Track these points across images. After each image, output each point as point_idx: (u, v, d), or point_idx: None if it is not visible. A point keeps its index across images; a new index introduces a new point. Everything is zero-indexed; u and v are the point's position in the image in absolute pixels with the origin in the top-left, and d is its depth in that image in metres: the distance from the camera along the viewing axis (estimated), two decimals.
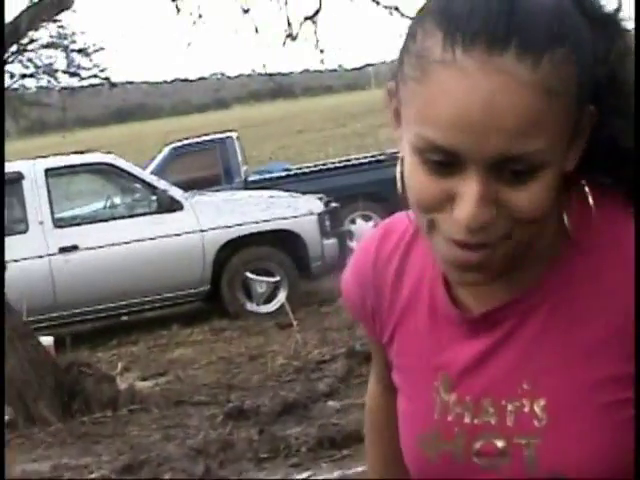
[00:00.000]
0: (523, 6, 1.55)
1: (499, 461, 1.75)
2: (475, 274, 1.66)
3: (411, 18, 1.67)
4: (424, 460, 1.86)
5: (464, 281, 1.70)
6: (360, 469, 7.56)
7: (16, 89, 16.75)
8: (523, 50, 1.51)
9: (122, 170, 15.01)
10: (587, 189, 1.72)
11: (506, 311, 1.77)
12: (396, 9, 18.97)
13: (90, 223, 15.21)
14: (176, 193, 14.79)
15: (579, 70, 1.58)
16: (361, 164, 19.88)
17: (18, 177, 15.14)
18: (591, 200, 1.70)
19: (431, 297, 1.87)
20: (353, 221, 18.21)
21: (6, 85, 16.65)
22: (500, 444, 1.75)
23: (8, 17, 13.99)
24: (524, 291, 1.76)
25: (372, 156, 21.02)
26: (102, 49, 19.74)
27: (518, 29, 1.52)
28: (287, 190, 16.12)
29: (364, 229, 17.69)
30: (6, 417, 8.78)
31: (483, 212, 1.56)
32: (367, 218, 18.14)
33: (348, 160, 21.88)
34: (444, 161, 1.55)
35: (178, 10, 18.05)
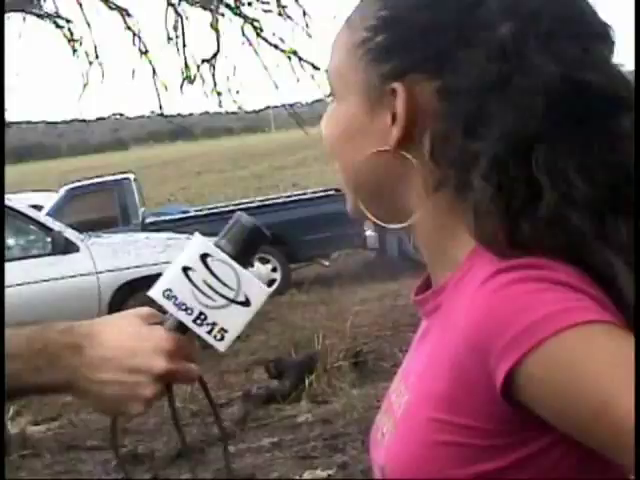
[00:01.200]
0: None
1: (383, 440, 1.84)
2: None
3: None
4: (372, 428, 1.95)
5: None
6: None
7: None
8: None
9: (18, 212, 14.97)
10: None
11: (427, 302, 1.86)
12: (294, 53, 19.09)
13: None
14: (72, 235, 14.76)
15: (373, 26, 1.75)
16: (258, 207, 19.94)
17: None
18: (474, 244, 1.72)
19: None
20: (251, 264, 18.28)
21: None
22: (387, 422, 1.85)
23: None
24: (437, 289, 1.83)
25: (270, 199, 21.11)
26: None
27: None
28: (184, 232, 16.15)
29: (261, 272, 17.71)
30: None
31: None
32: (264, 261, 18.16)
33: (247, 202, 21.96)
34: None
35: (74, 51, 18.03)
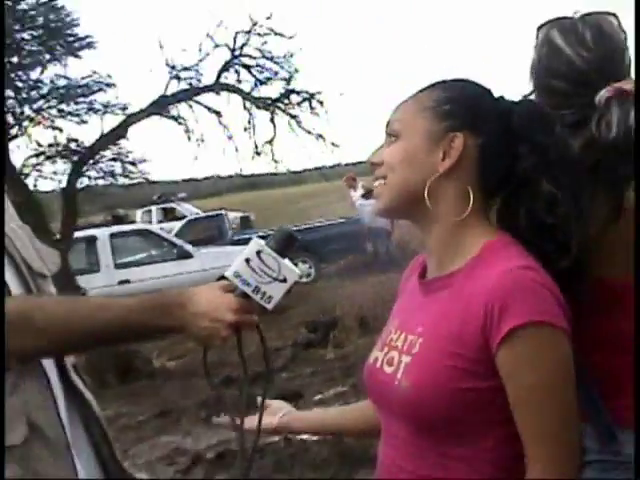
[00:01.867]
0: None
1: (391, 367, 1.81)
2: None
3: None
4: (367, 364, 1.93)
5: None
6: None
7: (91, 186, 16.69)
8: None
9: (154, 234, 15.02)
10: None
11: (432, 284, 1.84)
12: (320, 136, 18.97)
13: (137, 266, 15.18)
14: (188, 247, 14.78)
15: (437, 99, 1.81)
16: (304, 229, 19.87)
17: (94, 238, 15.17)
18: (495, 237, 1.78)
19: (416, 275, 1.94)
20: (296, 264, 18.24)
21: (85, 184, 16.57)
22: (396, 357, 1.81)
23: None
24: (442, 275, 1.81)
25: (309, 224, 20.93)
26: (143, 161, 19.58)
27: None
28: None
29: (301, 269, 17.72)
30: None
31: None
32: (304, 262, 18.09)
33: (295, 226, 21.79)
34: None
35: (189, 138, 17.93)
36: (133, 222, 21.66)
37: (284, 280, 1.95)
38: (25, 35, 19.62)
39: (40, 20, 19.51)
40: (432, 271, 1.87)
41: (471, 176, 1.79)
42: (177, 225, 21.26)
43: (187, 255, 14.59)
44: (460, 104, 1.79)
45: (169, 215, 28.52)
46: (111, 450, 2.21)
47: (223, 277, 1.97)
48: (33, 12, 19.43)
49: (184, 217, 26.37)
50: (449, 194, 1.79)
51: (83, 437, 2.14)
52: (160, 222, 27.36)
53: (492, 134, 1.79)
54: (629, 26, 2.00)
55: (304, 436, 6.71)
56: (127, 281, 14.66)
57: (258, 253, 1.94)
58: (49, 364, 2.05)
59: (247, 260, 1.93)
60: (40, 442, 1.95)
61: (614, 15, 2.02)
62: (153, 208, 28.36)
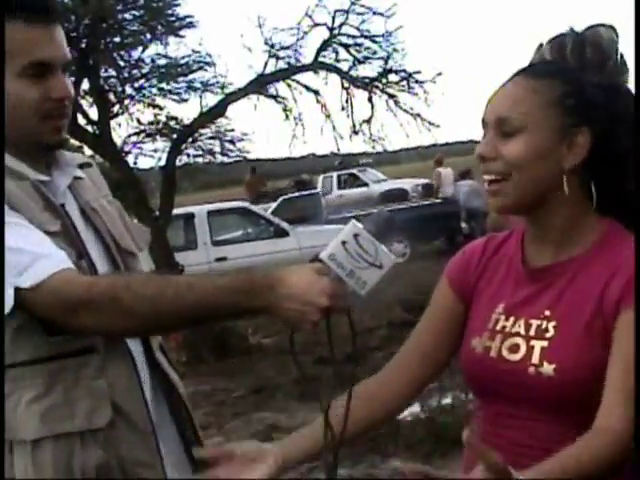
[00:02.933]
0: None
1: (517, 354, 1.81)
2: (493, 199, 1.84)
3: None
4: (472, 353, 1.90)
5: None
6: None
7: (190, 164, 16.90)
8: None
9: (252, 212, 15.12)
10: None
11: (550, 269, 1.85)
12: (418, 115, 18.80)
13: (234, 243, 15.34)
14: (285, 225, 14.87)
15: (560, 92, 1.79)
16: (399, 209, 19.78)
17: (192, 216, 15.35)
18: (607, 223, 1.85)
19: (510, 259, 1.94)
20: (391, 243, 18.16)
21: (184, 162, 16.80)
22: (522, 344, 1.81)
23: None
24: (562, 261, 1.84)
25: (405, 205, 20.86)
26: (242, 140, 19.71)
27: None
28: None
29: (398, 248, 17.73)
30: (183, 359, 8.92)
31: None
32: (399, 241, 18.07)
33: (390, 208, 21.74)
34: None
35: (287, 117, 17.99)
36: (315, 187, 22.05)
37: (380, 266, 1.88)
38: (127, 15, 19.91)
39: (141, 1, 19.78)
40: (544, 259, 1.88)
41: (589, 167, 1.82)
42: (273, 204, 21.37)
43: (284, 233, 14.69)
44: (582, 98, 1.80)
45: (350, 182, 28.45)
46: (195, 430, 2.24)
47: (317, 259, 1.89)
48: None
49: (366, 184, 26.54)
50: (571, 187, 1.81)
51: (167, 417, 2.17)
52: (340, 189, 27.43)
53: (604, 123, 1.81)
54: (629, 26, 1.98)
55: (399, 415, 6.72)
56: (224, 258, 14.82)
57: (355, 236, 1.86)
58: (135, 345, 2.08)
59: (343, 243, 1.85)
60: (125, 425, 1.99)
61: (609, 26, 1.96)
62: (334, 174, 28.26)
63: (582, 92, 1.80)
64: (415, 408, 6.60)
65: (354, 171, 28.92)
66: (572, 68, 1.85)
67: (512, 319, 1.86)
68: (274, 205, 20.67)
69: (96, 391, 1.96)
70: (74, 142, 11.34)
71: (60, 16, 2.04)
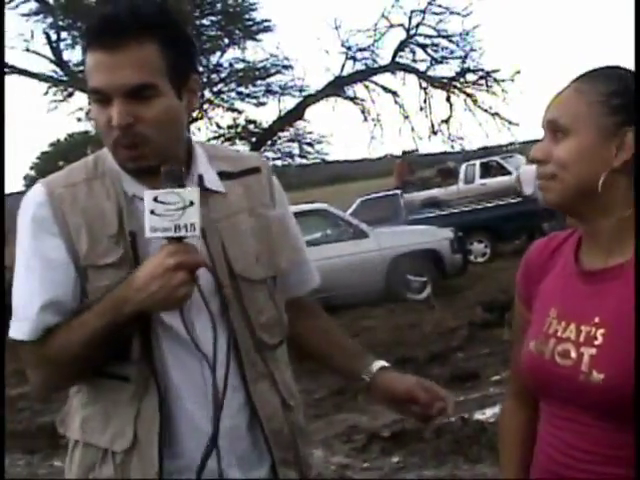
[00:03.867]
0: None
1: (568, 360, 1.81)
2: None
3: None
4: (530, 355, 1.90)
5: None
6: (475, 395, 7.46)
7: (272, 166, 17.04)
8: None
9: (332, 213, 15.13)
10: None
11: (603, 273, 1.83)
12: (497, 114, 18.57)
13: (313, 245, 15.37)
14: (364, 227, 14.84)
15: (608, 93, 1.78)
16: (482, 209, 19.54)
17: None
18: None
19: (565, 261, 1.93)
20: (472, 243, 17.95)
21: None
22: (572, 350, 1.80)
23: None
24: (616, 264, 1.81)
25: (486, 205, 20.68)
26: (320, 142, 19.74)
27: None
28: (433, 224, 16.02)
29: (478, 248, 17.57)
30: None
31: None
32: (479, 242, 17.88)
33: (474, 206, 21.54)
34: None
35: (365, 118, 18.00)
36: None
37: (192, 203, 1.86)
38: (205, 21, 20.13)
39: (219, 6, 19.96)
40: (596, 262, 1.86)
41: (635, 167, 1.80)
42: (352, 206, 21.38)
43: (363, 234, 14.63)
44: (627, 97, 1.79)
45: (493, 170, 27.53)
46: (287, 458, 2.18)
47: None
48: None
49: (509, 173, 25.89)
50: (620, 188, 1.80)
51: (250, 448, 2.13)
52: (482, 177, 27.01)
53: None
54: (629, 26, 1.96)
55: (480, 416, 6.66)
56: None
57: (155, 199, 1.87)
58: (231, 375, 2.02)
59: (152, 212, 1.87)
60: (138, 456, 2.02)
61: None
62: (477, 162, 27.38)
63: (627, 92, 1.79)
64: (497, 409, 6.53)
65: (498, 158, 27.70)
66: (619, 68, 1.84)
67: (564, 323, 1.86)
68: (353, 206, 20.66)
69: (125, 417, 2.02)
70: None
71: (142, 36, 1.95)
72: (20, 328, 2.03)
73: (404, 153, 25.57)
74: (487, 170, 27.26)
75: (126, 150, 1.99)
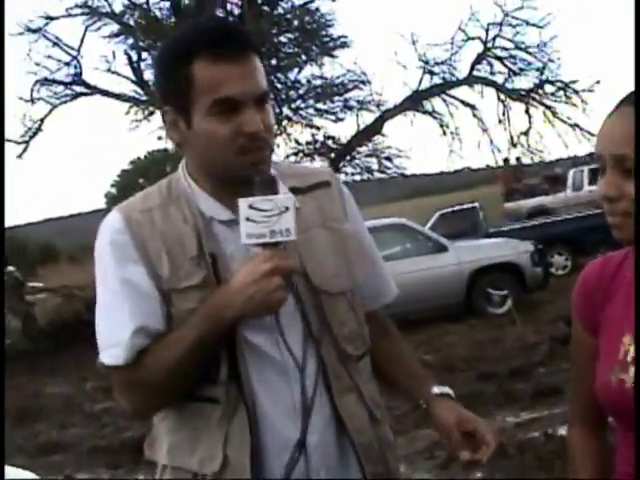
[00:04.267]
0: None
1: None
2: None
3: None
4: (608, 384, 1.85)
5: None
6: (558, 410, 7.35)
7: (348, 182, 17.03)
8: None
9: (410, 227, 15.08)
10: None
11: None
12: (577, 125, 18.31)
13: (392, 260, 15.33)
14: (444, 241, 14.76)
15: None
16: (560, 221, 19.30)
17: None
18: None
19: (629, 285, 1.88)
20: (552, 256, 17.72)
21: (342, 180, 16.99)
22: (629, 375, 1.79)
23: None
24: None
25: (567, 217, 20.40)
26: (399, 156, 19.67)
27: None
28: (513, 237, 15.87)
29: (558, 261, 17.34)
30: None
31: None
32: (560, 254, 17.64)
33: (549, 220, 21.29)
34: None
35: (444, 132, 17.94)
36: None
37: (287, 209, 1.89)
38: (282, 38, 20.29)
39: (296, 23, 20.11)
40: None
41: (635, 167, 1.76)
42: (431, 219, 21.30)
43: (442, 248, 14.55)
44: None
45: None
46: (377, 470, 2.17)
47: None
48: (289, 16, 20.06)
49: None
50: None
51: (350, 458, 2.13)
52: (591, 184, 26.65)
53: None
54: (629, 26, 1.89)
55: (564, 432, 6.56)
56: None
57: (250, 207, 1.89)
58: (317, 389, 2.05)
59: (247, 219, 1.89)
60: (229, 474, 2.02)
61: None
62: (585, 168, 26.38)
63: None
64: None
65: None
66: None
67: (633, 346, 1.83)
68: (432, 220, 20.58)
69: (214, 440, 2.02)
70: None
71: (252, 45, 2.04)
72: (112, 353, 2.04)
73: (505, 161, 25.22)
74: (596, 176, 26.77)
75: (252, 155, 2.01)
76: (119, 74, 20.47)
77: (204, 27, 2.07)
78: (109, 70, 20.32)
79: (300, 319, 2.06)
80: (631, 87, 1.84)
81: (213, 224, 2.06)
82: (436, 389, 2.24)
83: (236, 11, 18.88)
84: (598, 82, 20.08)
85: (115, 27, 20.43)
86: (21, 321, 17.01)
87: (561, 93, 20.35)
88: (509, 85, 20.59)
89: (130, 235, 2.04)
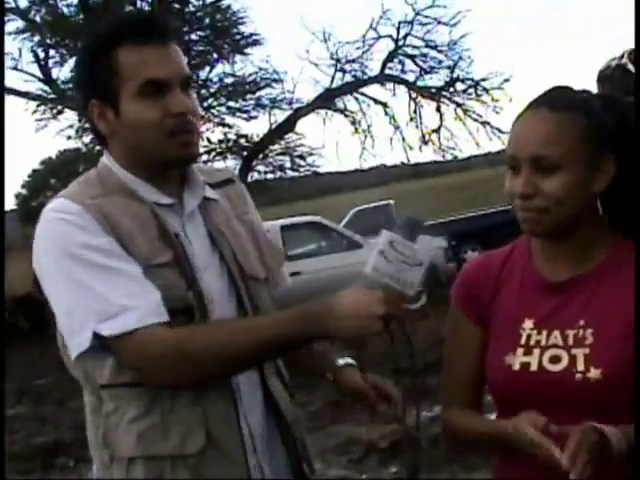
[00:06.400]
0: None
1: (560, 364, 1.87)
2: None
3: None
4: (508, 371, 1.93)
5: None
6: None
7: (261, 181, 17.03)
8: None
9: (325, 225, 15.15)
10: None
11: (573, 282, 1.94)
12: (488, 123, 18.58)
13: (307, 258, 15.37)
14: (358, 238, 14.85)
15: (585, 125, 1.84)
16: (475, 217, 19.55)
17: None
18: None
19: (522, 275, 2.01)
20: (465, 251, 18.00)
21: (255, 178, 16.91)
22: (563, 354, 1.88)
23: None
24: (583, 272, 1.93)
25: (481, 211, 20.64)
26: (312, 154, 19.75)
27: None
28: (426, 234, 16.01)
29: (472, 257, 17.60)
30: None
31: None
32: (474, 250, 17.90)
33: (466, 214, 21.56)
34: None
35: (356, 130, 18.02)
36: None
37: (420, 264, 1.88)
38: (193, 36, 20.15)
39: (207, 21, 20.00)
40: (561, 272, 1.96)
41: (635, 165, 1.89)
42: (346, 217, 21.41)
43: (357, 245, 14.65)
44: (606, 127, 1.87)
45: None
46: (307, 460, 2.25)
47: (362, 275, 1.90)
48: (200, 13, 19.95)
49: None
50: (593, 208, 1.93)
51: (279, 446, 2.19)
52: None
53: (624, 145, 1.89)
54: (629, 26, 2.02)
55: None
56: (298, 273, 14.87)
57: (391, 243, 1.87)
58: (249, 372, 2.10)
59: (382, 252, 1.86)
60: (216, 453, 2.02)
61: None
62: None
63: (599, 118, 1.87)
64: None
65: None
66: (586, 98, 1.91)
67: (545, 332, 1.93)
68: (347, 218, 20.69)
69: (191, 418, 2.00)
70: None
71: (173, 35, 2.09)
72: (138, 316, 1.93)
73: None
74: None
75: (181, 137, 2.03)
76: (26, 72, 20.14)
77: (126, 17, 2.14)
78: (15, 68, 19.97)
79: (236, 305, 2.12)
80: (540, 85, 1.94)
81: (157, 209, 2.07)
82: (340, 361, 2.35)
83: (146, 8, 18.71)
84: (507, 80, 20.39)
85: (21, 23, 20.09)
86: None
87: (472, 91, 20.62)
88: (420, 83, 20.78)
89: (92, 217, 1.98)
